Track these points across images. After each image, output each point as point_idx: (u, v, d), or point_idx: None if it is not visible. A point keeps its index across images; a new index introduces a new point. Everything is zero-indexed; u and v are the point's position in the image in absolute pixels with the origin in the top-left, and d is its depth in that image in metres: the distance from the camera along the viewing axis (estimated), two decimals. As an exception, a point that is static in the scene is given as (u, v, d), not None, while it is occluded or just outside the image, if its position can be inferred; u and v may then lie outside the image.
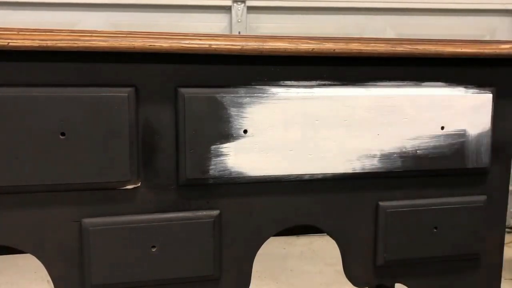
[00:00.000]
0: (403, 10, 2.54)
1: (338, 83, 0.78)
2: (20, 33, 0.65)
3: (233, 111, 0.74)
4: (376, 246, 0.83)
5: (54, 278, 0.74)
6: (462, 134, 0.82)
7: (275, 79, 0.76)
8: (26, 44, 0.65)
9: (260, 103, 0.75)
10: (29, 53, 0.67)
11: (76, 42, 0.66)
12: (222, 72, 0.74)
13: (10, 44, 0.65)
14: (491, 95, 0.83)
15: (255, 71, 0.75)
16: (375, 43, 0.76)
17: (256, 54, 0.73)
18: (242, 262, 0.79)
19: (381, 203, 0.82)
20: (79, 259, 0.73)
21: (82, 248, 0.73)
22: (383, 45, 0.76)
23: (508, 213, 0.91)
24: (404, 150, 0.81)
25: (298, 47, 0.73)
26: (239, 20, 2.42)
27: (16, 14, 2.28)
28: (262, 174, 0.76)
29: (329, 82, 0.78)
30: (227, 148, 0.74)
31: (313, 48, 0.74)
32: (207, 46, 0.70)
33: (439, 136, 0.82)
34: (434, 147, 0.82)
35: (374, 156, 0.80)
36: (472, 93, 0.83)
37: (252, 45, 0.72)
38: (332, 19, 2.50)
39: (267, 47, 0.72)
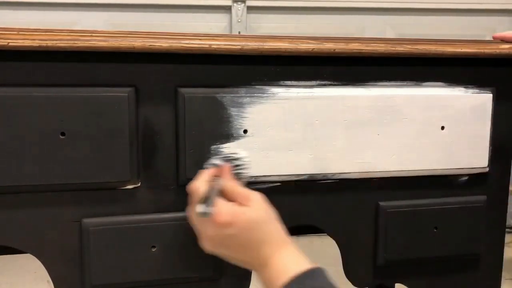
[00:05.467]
0: (403, 10, 2.54)
1: (338, 83, 0.78)
2: (20, 33, 0.65)
3: (233, 111, 0.74)
4: (376, 246, 0.83)
5: (54, 278, 0.74)
6: (462, 134, 0.82)
7: (275, 79, 0.76)
8: (26, 44, 0.65)
9: (260, 103, 0.75)
10: (29, 53, 0.67)
11: (76, 42, 0.66)
12: (222, 72, 0.74)
13: (10, 44, 0.65)
14: (491, 95, 0.83)
15: (255, 71, 0.75)
16: (375, 43, 0.76)
17: (256, 54, 0.73)
18: (242, 262, 0.79)
19: (381, 203, 0.82)
20: (79, 259, 0.73)
21: (82, 248, 0.72)
22: (383, 45, 0.76)
23: (508, 213, 0.91)
24: (404, 150, 0.80)
25: (298, 47, 0.73)
26: (239, 20, 2.42)
27: (16, 14, 2.28)
28: (262, 174, 0.76)
29: (329, 82, 0.78)
30: (227, 148, 0.74)
31: (313, 48, 0.74)
32: (207, 46, 0.70)
33: (439, 136, 0.81)
34: (434, 147, 0.82)
35: (374, 156, 0.80)
36: (472, 93, 0.83)
37: (252, 45, 0.72)
38: (332, 19, 2.50)
39: (267, 47, 0.72)
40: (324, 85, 0.78)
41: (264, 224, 0.64)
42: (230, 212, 0.63)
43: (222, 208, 0.63)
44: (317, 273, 0.62)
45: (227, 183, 0.67)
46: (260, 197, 0.66)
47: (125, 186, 0.73)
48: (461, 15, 2.59)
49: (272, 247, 0.64)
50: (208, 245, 0.66)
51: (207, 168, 0.71)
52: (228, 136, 0.74)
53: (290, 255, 0.64)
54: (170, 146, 0.74)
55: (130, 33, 0.70)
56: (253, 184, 0.77)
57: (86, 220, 0.72)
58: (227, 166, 0.71)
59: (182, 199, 0.75)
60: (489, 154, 0.84)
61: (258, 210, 0.65)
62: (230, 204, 0.64)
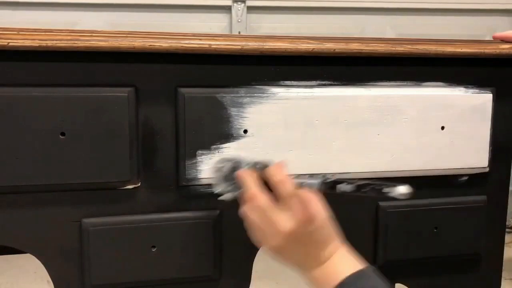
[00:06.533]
0: (403, 10, 2.54)
1: (338, 83, 0.78)
2: (20, 33, 0.65)
3: (233, 111, 0.74)
4: (376, 246, 0.83)
5: (54, 278, 0.74)
6: (462, 134, 0.82)
7: (275, 79, 0.76)
8: (26, 44, 0.65)
9: (260, 103, 0.74)
10: (29, 53, 0.67)
11: (76, 42, 0.66)
12: (222, 72, 0.74)
13: (10, 44, 0.65)
14: (491, 95, 0.83)
15: (255, 71, 0.75)
16: (375, 43, 0.76)
17: (256, 54, 0.73)
18: (242, 262, 0.79)
19: (381, 203, 0.82)
20: (79, 259, 0.73)
21: (82, 248, 0.73)
22: (383, 45, 0.76)
23: (508, 213, 0.91)
24: (404, 150, 0.80)
25: (298, 47, 0.73)
26: (239, 20, 2.42)
27: (16, 14, 2.27)
28: (262, 174, 0.76)
29: (329, 82, 0.78)
30: (227, 148, 0.74)
31: (313, 48, 0.74)
32: (207, 46, 0.70)
33: (439, 136, 0.81)
34: (434, 147, 0.82)
35: (374, 156, 0.80)
36: (472, 93, 0.83)
37: (252, 45, 0.72)
38: (332, 19, 2.50)
39: (267, 47, 0.72)
40: (324, 85, 0.78)
41: (329, 224, 0.66)
42: (316, 208, 0.64)
43: (314, 204, 0.64)
44: (368, 273, 0.64)
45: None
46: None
47: (125, 186, 0.73)
48: (461, 15, 2.58)
49: (333, 247, 0.65)
50: (277, 242, 0.64)
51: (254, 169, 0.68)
52: (228, 136, 0.74)
53: (346, 256, 0.66)
54: (170, 146, 0.74)
55: (130, 33, 0.70)
56: (253, 184, 0.77)
57: (86, 220, 0.72)
58: (280, 163, 0.68)
59: (182, 199, 0.75)
60: (489, 154, 0.84)
61: (323, 209, 0.65)
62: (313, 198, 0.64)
